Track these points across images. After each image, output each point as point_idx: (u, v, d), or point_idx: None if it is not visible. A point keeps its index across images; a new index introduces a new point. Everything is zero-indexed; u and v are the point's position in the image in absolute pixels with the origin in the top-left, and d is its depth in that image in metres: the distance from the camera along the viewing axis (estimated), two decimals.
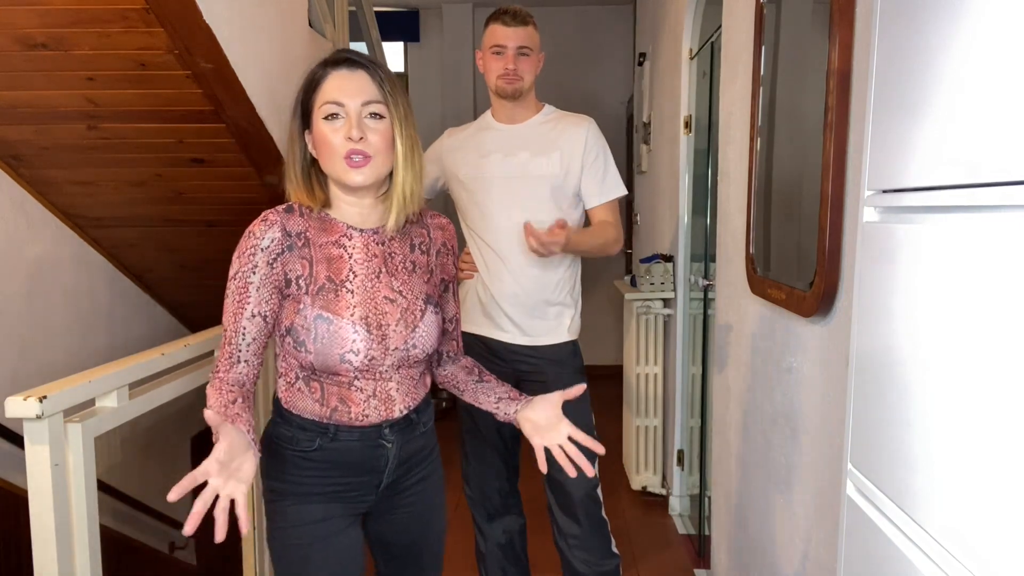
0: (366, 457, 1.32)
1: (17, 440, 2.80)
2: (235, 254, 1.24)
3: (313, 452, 1.29)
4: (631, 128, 4.98)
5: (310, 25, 3.13)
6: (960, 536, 0.69)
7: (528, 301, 2.01)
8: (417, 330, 1.30)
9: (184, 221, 3.22)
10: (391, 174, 1.26)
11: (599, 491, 2.13)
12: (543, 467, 1.33)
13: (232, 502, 1.00)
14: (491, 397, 1.45)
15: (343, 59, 1.23)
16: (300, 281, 1.24)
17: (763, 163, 1.80)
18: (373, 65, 1.23)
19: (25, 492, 1.50)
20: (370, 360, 1.26)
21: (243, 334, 1.23)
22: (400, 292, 1.31)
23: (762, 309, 1.85)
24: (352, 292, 1.25)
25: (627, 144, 5.32)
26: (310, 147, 1.28)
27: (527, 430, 1.37)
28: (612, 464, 3.87)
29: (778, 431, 1.73)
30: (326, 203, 1.30)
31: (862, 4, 1.29)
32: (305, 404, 1.29)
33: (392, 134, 1.23)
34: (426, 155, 2.19)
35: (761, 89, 1.78)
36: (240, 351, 1.23)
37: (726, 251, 2.22)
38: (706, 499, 2.77)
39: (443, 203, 2.32)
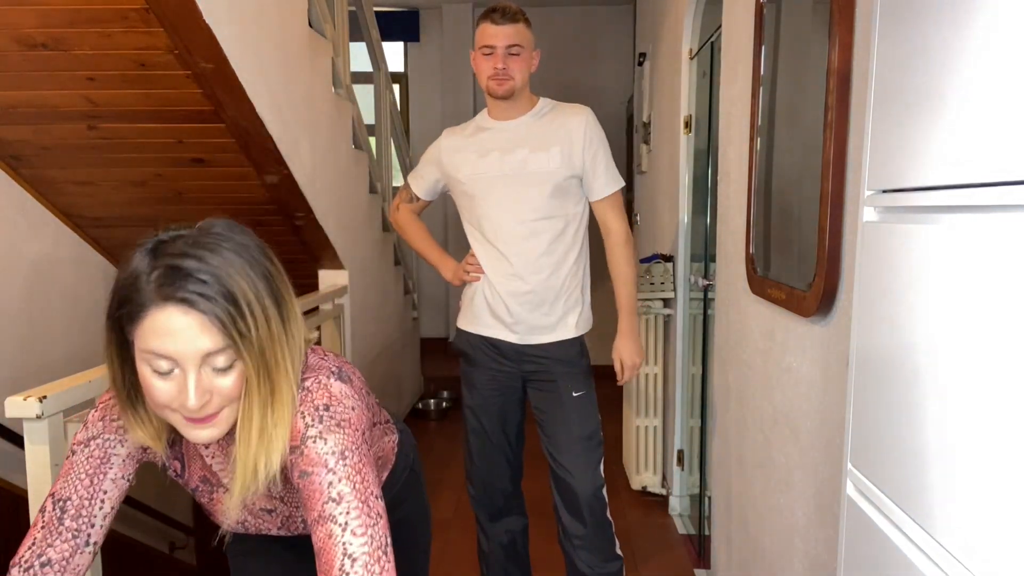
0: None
1: (17, 440, 2.80)
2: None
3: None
4: (631, 128, 4.98)
5: (310, 25, 3.13)
6: (961, 536, 0.69)
7: (534, 299, 2.00)
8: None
9: (184, 221, 3.22)
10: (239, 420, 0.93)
11: (604, 492, 2.13)
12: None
13: None
14: None
15: (172, 296, 0.85)
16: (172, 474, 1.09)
17: (763, 163, 1.80)
18: (212, 298, 0.86)
19: (25, 492, 1.50)
20: None
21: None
22: (281, 498, 1.11)
23: (762, 309, 1.85)
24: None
25: (627, 144, 5.32)
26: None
27: None
28: (612, 464, 3.87)
29: (778, 431, 1.73)
30: (175, 434, 1.03)
31: (862, 4, 1.29)
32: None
33: (246, 376, 0.90)
34: (425, 156, 2.20)
35: (761, 89, 1.78)
36: None
37: (726, 251, 2.22)
38: (706, 499, 2.76)
39: (443, 203, 2.32)
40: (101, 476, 1.00)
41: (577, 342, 2.07)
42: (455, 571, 2.77)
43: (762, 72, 1.77)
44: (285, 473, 0.97)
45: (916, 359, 0.79)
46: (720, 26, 2.33)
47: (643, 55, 4.13)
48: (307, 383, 0.99)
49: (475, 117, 2.15)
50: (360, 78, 4.22)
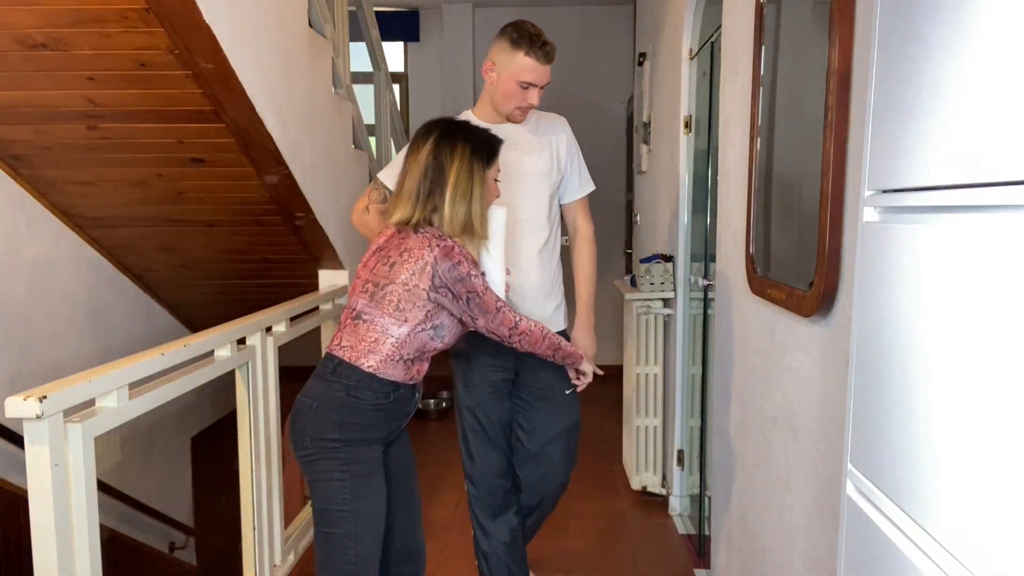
0: (411, 405, 1.77)
1: (17, 440, 2.80)
2: (466, 267, 1.66)
3: (387, 403, 1.68)
4: (631, 128, 4.98)
5: (310, 25, 3.13)
6: (960, 536, 0.69)
7: (530, 294, 2.09)
8: None
9: (184, 221, 3.22)
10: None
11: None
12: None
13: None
14: None
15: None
16: None
17: (763, 163, 1.80)
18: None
19: (25, 492, 1.50)
20: None
21: None
22: None
23: (762, 309, 1.85)
24: None
25: (627, 144, 5.32)
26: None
27: None
28: (612, 464, 3.87)
29: (778, 431, 1.73)
30: None
31: (862, 4, 1.29)
32: (396, 373, 1.68)
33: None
34: (403, 154, 2.22)
35: (761, 89, 1.78)
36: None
37: (726, 251, 2.22)
38: (706, 499, 2.77)
39: None
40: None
41: (564, 334, 2.18)
42: (456, 571, 2.77)
43: (762, 72, 1.78)
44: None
45: (916, 359, 0.79)
46: (720, 26, 2.33)
47: (643, 55, 4.13)
48: None
49: (463, 116, 2.16)
50: (360, 78, 4.22)
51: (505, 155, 2.02)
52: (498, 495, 2.22)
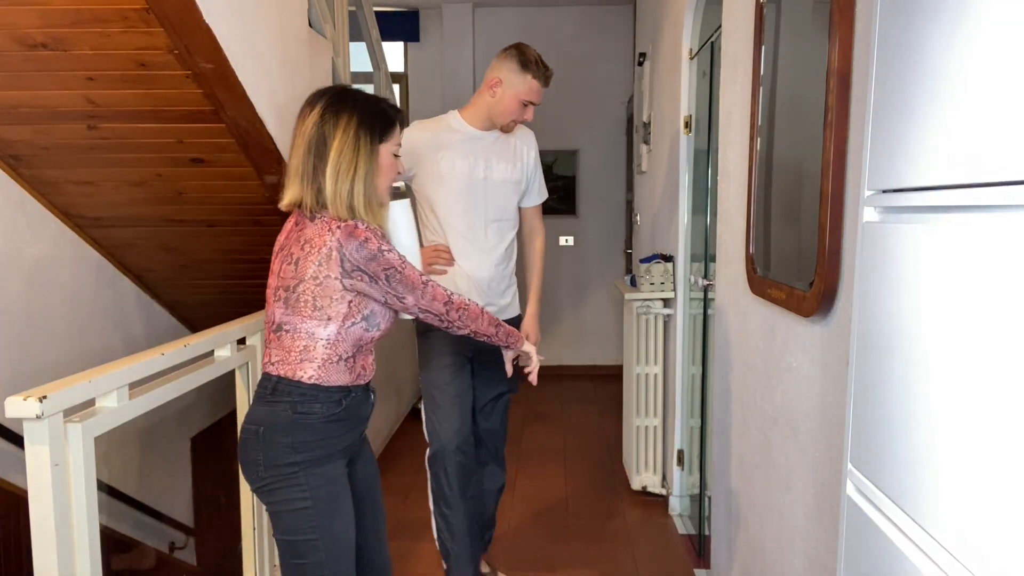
0: (366, 408, 1.65)
1: (17, 440, 2.80)
2: (375, 243, 1.49)
3: (340, 412, 1.57)
4: (631, 128, 4.98)
5: (310, 25, 3.13)
6: (960, 536, 0.69)
7: (500, 284, 2.39)
8: None
9: (184, 221, 3.22)
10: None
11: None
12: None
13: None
14: None
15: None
16: None
17: (763, 163, 1.80)
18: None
19: (25, 492, 1.50)
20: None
21: None
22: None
23: (762, 309, 1.85)
24: None
25: (627, 144, 5.32)
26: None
27: None
28: (612, 464, 3.87)
29: (778, 431, 1.73)
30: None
31: (862, 4, 1.29)
32: (340, 376, 1.56)
33: None
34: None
35: (761, 89, 1.78)
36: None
37: (726, 251, 2.22)
38: (706, 499, 2.77)
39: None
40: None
41: (519, 317, 2.47)
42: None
43: (762, 72, 1.78)
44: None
45: (916, 359, 0.79)
46: (720, 26, 2.33)
47: (643, 55, 4.13)
48: None
49: (448, 116, 2.38)
50: (360, 78, 4.23)
51: (487, 161, 2.34)
52: (472, 453, 2.41)
